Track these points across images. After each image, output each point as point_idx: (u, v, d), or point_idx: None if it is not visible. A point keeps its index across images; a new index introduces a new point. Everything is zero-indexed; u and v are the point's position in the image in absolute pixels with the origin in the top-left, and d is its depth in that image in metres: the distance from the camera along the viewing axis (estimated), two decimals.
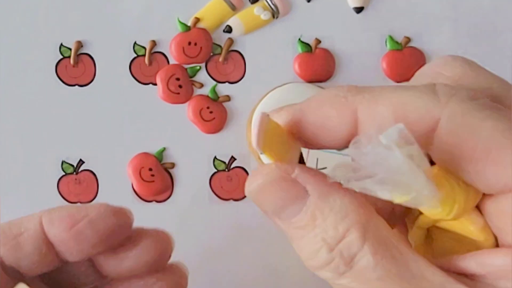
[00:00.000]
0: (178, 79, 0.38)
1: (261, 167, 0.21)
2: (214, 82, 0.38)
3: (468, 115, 0.19)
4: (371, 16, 0.38)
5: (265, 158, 0.26)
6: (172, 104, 0.38)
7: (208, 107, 0.38)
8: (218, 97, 0.38)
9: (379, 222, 0.20)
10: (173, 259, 0.37)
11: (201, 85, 0.38)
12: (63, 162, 0.38)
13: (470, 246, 0.20)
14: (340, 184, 0.19)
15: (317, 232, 0.20)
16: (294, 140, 0.21)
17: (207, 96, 0.38)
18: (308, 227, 0.20)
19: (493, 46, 0.39)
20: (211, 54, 0.38)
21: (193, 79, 0.38)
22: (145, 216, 0.38)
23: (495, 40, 0.39)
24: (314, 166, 0.35)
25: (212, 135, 0.38)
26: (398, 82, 0.38)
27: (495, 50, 0.39)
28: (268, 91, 0.37)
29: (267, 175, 0.20)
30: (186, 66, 0.38)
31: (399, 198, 0.18)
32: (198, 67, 0.38)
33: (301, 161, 0.22)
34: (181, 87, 0.38)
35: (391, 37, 0.38)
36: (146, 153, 0.38)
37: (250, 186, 0.21)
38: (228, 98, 0.38)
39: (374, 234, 0.19)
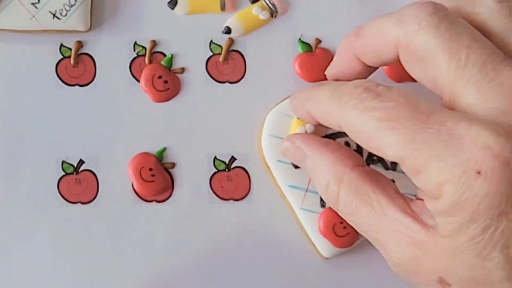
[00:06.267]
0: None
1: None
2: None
3: None
4: (371, 16, 0.38)
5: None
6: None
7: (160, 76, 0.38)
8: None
9: (353, 174, 0.31)
10: (173, 259, 0.37)
11: (183, 69, 0.38)
12: (63, 162, 0.38)
13: None
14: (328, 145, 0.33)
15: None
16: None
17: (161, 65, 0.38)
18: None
19: None
20: (212, 54, 0.38)
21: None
22: (145, 216, 0.38)
23: None
24: None
25: (212, 134, 0.38)
26: (398, 82, 0.38)
27: None
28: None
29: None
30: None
31: None
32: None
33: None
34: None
35: None
36: (146, 153, 0.38)
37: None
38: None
39: (347, 183, 0.31)
